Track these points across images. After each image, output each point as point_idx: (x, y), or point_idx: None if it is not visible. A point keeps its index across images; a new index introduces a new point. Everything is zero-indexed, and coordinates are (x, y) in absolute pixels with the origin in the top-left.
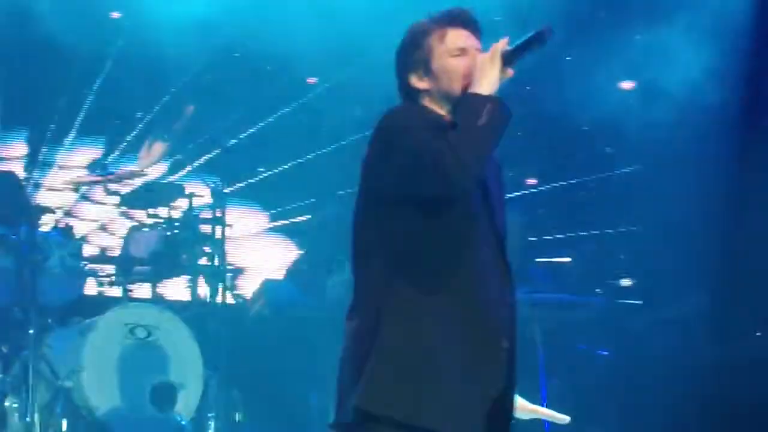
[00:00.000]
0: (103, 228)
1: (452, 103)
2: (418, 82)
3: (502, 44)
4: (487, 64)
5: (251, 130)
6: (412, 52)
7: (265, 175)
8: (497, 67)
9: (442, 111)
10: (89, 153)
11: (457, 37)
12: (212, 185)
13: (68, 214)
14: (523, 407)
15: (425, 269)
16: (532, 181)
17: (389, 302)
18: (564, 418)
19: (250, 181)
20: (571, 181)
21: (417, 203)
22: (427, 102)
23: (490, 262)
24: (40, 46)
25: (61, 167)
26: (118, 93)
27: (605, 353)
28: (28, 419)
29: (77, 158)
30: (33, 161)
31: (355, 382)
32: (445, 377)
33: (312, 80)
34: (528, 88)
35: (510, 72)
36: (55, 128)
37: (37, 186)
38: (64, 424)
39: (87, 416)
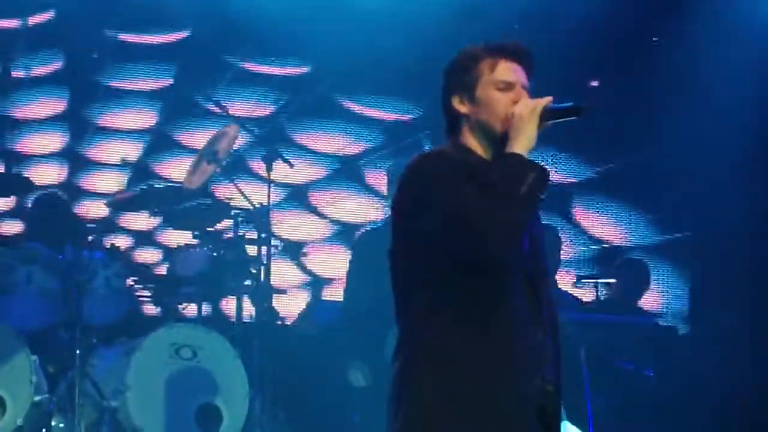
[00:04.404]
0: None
1: (489, 140)
2: (459, 105)
3: (546, 101)
4: (525, 119)
5: None
6: (460, 75)
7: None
8: (535, 123)
9: (478, 145)
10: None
11: (508, 71)
12: (257, 205)
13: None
14: None
15: (461, 314)
16: None
17: (426, 343)
18: None
19: None
20: None
21: (453, 258)
22: (466, 129)
23: (525, 307)
24: None
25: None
26: None
27: (650, 374)
28: None
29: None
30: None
31: (395, 415)
32: (478, 422)
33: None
34: None
35: (547, 124)
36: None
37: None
38: None
39: None
